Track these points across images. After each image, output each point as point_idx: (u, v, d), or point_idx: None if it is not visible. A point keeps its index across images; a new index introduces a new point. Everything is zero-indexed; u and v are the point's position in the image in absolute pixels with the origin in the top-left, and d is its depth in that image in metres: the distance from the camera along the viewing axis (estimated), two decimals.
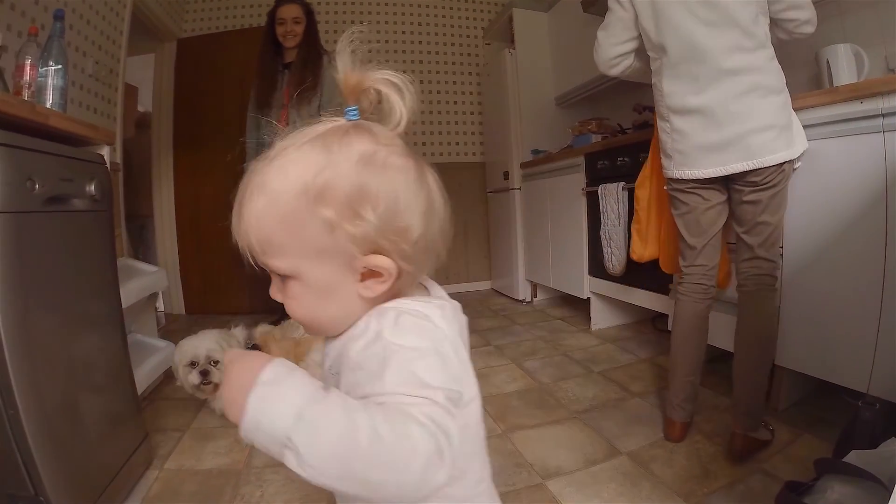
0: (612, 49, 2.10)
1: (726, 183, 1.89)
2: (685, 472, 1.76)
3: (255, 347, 2.34)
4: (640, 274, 3.03)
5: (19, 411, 1.27)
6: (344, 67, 0.68)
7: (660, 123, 2.00)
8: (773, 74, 1.75)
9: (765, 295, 1.87)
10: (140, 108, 4.92)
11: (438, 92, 5.43)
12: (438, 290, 0.79)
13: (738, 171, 1.77)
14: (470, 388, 0.71)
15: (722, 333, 2.26)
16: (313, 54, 2.96)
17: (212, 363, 2.16)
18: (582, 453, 1.93)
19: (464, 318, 0.76)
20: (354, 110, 0.69)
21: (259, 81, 2.98)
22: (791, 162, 1.79)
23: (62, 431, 1.42)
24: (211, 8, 5.05)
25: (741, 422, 1.82)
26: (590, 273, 3.60)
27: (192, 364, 2.16)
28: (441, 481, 0.52)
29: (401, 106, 0.67)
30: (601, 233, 3.23)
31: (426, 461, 0.51)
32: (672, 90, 1.89)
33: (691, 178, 1.89)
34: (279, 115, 2.97)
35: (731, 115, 1.74)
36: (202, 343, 2.19)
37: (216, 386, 2.16)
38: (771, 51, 1.76)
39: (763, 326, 1.88)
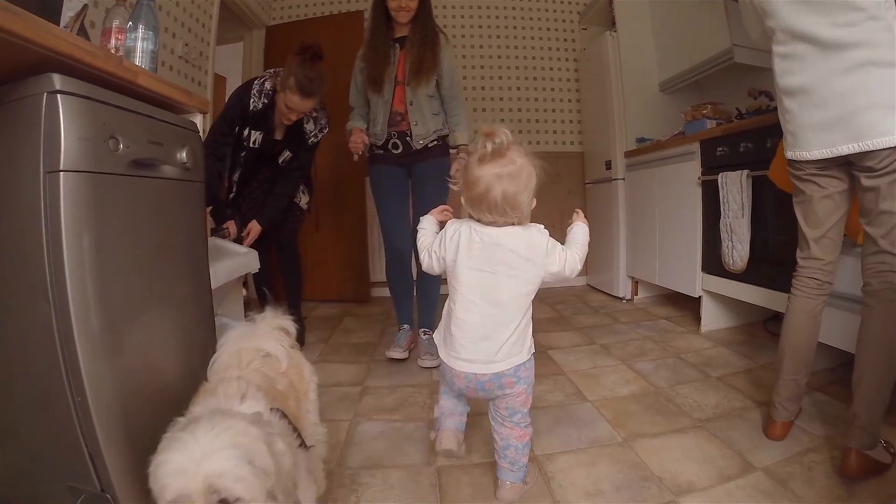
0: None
1: (848, 169, 1.76)
2: (828, 493, 1.58)
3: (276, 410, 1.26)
4: (763, 270, 2.81)
5: (87, 398, 1.18)
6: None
7: (777, 104, 1.93)
8: (886, 47, 1.58)
9: (891, 295, 1.67)
10: None
11: (535, 78, 5.29)
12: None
13: (844, 153, 1.66)
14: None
15: (851, 336, 2.04)
16: (430, 32, 2.84)
17: None
18: (714, 467, 1.75)
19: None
20: None
21: (371, 55, 2.86)
22: None
23: (135, 422, 1.31)
24: None
25: (856, 437, 1.65)
26: (703, 269, 3.38)
27: None
28: None
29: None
30: (721, 225, 3.02)
31: None
32: (780, 70, 1.83)
33: (801, 159, 1.81)
34: (392, 92, 2.87)
35: (835, 94, 1.65)
36: (204, 458, 0.93)
37: None
38: (885, 21, 1.58)
39: (888, 333, 1.67)
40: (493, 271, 1.50)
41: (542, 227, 1.57)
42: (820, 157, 1.74)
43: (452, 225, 1.59)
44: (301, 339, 3.26)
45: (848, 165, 1.74)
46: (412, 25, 2.84)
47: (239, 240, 2.97)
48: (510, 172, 1.46)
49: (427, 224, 1.75)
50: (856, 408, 1.69)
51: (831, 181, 1.80)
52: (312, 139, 3.05)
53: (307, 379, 1.56)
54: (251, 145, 2.94)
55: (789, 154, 1.87)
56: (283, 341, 1.48)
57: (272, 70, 2.95)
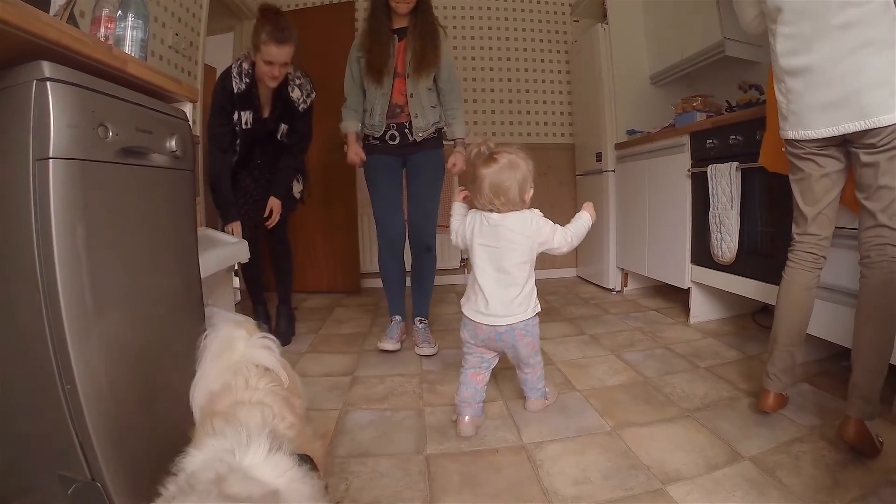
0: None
1: (845, 148, 1.82)
2: (814, 482, 1.59)
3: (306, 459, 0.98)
4: (752, 262, 2.83)
5: (77, 386, 1.17)
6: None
7: (775, 85, 1.98)
8: (887, 26, 1.63)
9: (888, 266, 1.74)
10: None
11: (526, 70, 5.27)
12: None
13: (851, 130, 1.70)
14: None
15: (839, 328, 2.17)
16: (430, 25, 2.81)
17: None
18: (702, 456, 1.77)
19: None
20: None
21: (372, 45, 2.80)
22: None
23: (126, 411, 1.30)
24: None
25: (856, 406, 1.71)
26: (692, 261, 3.39)
27: None
28: None
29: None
30: (710, 217, 3.03)
31: None
32: (784, 50, 1.87)
33: (805, 138, 1.85)
34: (391, 84, 2.85)
35: (841, 73, 1.69)
36: None
37: None
38: (885, 1, 1.64)
39: (886, 301, 1.75)
40: (498, 246, 1.99)
41: (537, 210, 2.04)
42: (827, 136, 1.77)
43: (470, 214, 2.10)
44: (291, 331, 3.26)
45: (845, 144, 1.80)
46: (411, 17, 2.80)
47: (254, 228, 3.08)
48: (495, 170, 1.96)
49: (458, 209, 2.19)
50: (855, 378, 1.75)
51: (829, 160, 1.86)
52: (303, 106, 3.03)
53: (302, 392, 1.39)
54: (244, 126, 2.92)
55: (791, 134, 1.90)
56: (276, 354, 1.27)
57: (244, 53, 2.93)
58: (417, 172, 2.95)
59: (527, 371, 2.14)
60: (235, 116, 2.89)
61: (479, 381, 2.07)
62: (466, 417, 2.01)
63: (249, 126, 2.93)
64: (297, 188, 3.25)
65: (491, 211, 2.00)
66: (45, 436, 1.22)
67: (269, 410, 1.04)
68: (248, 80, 2.85)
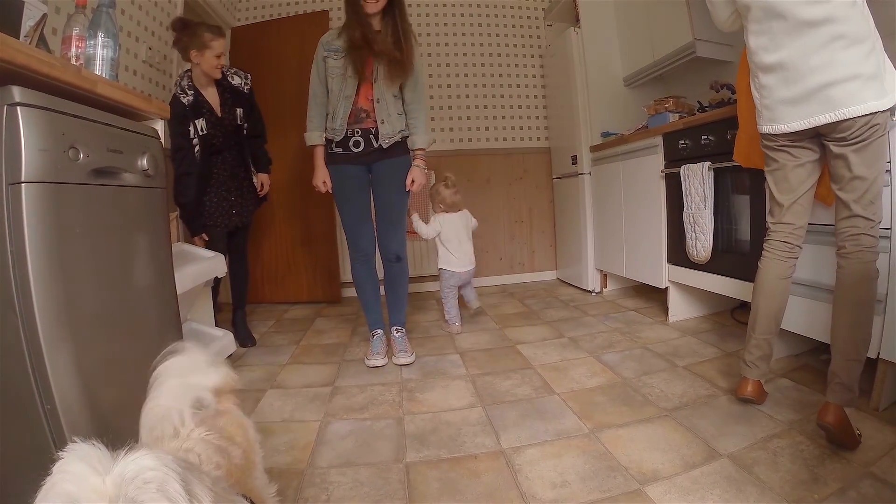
0: (720, 14, 2.12)
1: (818, 140, 1.87)
2: (792, 477, 1.60)
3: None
4: (727, 260, 2.85)
5: (57, 406, 1.17)
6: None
7: (751, 80, 2.02)
8: (856, 21, 1.68)
9: (863, 257, 1.78)
10: None
11: (500, 75, 5.27)
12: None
13: (821, 123, 1.75)
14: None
15: (816, 323, 2.19)
16: (405, 31, 2.73)
17: None
18: (679, 455, 1.77)
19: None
20: None
21: (354, 44, 2.67)
22: (884, 114, 1.70)
23: (107, 429, 1.30)
24: None
25: (836, 393, 1.75)
26: (669, 261, 3.41)
27: None
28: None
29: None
30: (684, 217, 3.05)
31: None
32: (756, 47, 1.91)
33: (778, 132, 1.90)
34: (356, 87, 2.75)
35: (811, 68, 1.73)
36: None
37: None
38: None
39: (862, 290, 1.78)
40: (459, 228, 3.64)
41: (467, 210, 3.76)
42: (798, 129, 1.82)
43: (438, 216, 3.64)
44: (248, 336, 3.44)
45: (818, 137, 1.84)
46: (384, 19, 2.70)
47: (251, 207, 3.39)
48: (454, 192, 3.64)
49: (418, 218, 3.58)
50: (834, 366, 1.78)
51: (804, 151, 1.90)
52: (246, 87, 3.26)
53: (252, 440, 1.23)
54: (200, 133, 3.00)
55: (765, 128, 1.95)
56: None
57: (179, 74, 3.09)
58: (384, 180, 2.87)
59: (470, 286, 3.80)
60: (192, 130, 2.96)
61: (457, 303, 3.65)
62: (457, 323, 3.57)
63: (205, 131, 3.02)
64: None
65: (450, 211, 3.62)
66: (26, 457, 1.21)
67: (196, 457, 0.91)
68: (192, 91, 2.98)
